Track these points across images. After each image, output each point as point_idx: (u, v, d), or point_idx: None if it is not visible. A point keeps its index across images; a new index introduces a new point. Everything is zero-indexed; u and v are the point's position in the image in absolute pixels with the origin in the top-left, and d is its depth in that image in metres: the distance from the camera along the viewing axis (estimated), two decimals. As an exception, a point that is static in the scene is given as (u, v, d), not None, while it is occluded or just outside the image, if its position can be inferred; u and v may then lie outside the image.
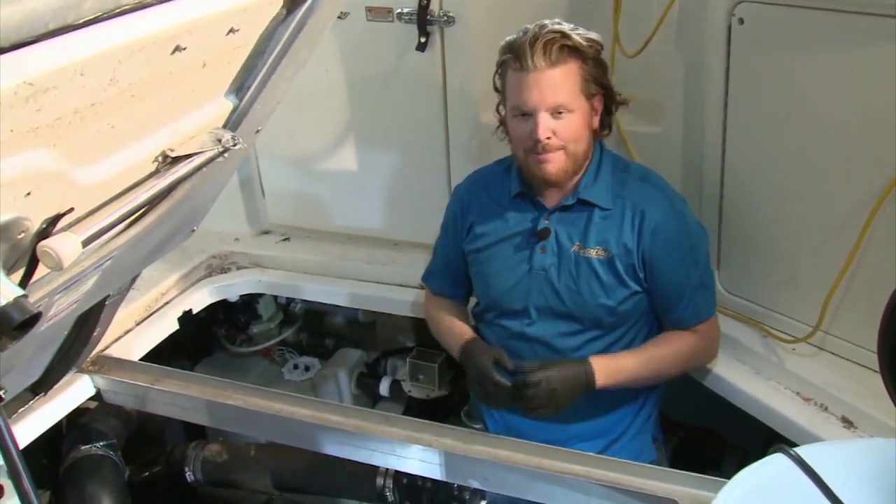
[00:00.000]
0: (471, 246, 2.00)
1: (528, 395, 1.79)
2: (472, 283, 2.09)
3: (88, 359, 2.12)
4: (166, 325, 2.46)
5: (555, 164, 1.79)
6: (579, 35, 1.75)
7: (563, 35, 1.73)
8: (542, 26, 1.74)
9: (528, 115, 1.76)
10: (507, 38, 1.80)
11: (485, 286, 1.99)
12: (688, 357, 1.91)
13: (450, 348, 2.07)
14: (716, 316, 1.95)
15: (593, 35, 1.79)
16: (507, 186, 1.95)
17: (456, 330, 2.05)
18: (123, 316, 2.28)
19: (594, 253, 1.85)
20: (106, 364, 2.16)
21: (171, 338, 2.47)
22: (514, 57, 1.75)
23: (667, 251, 1.83)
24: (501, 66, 1.82)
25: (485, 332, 2.05)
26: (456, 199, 2.07)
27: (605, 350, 1.91)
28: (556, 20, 1.77)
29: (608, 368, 1.82)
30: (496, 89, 1.87)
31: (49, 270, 1.04)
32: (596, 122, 1.84)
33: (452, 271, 2.09)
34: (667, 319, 1.91)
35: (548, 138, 1.75)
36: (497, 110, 1.93)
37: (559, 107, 1.75)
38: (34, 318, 0.96)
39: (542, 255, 1.89)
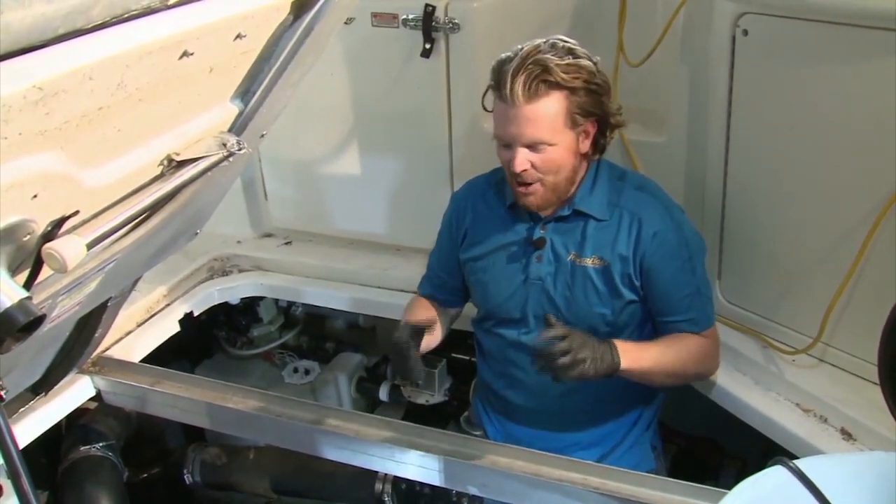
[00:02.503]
0: (467, 254, 2.00)
1: (550, 350, 1.67)
2: (463, 292, 2.08)
3: (89, 360, 2.12)
4: (167, 327, 2.46)
5: (535, 196, 1.78)
6: (564, 67, 1.68)
7: (545, 69, 1.66)
8: (533, 51, 1.68)
9: (507, 145, 1.75)
10: (499, 58, 1.74)
11: (482, 295, 1.99)
12: (699, 357, 1.88)
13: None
14: (715, 328, 1.93)
15: (584, 62, 1.71)
16: (504, 195, 1.94)
17: (408, 314, 2.00)
18: (124, 317, 2.29)
19: (590, 262, 1.84)
20: (106, 365, 2.17)
21: (172, 340, 2.47)
22: (496, 85, 1.72)
23: (664, 260, 1.82)
24: (489, 88, 1.77)
25: (483, 341, 2.05)
26: (453, 207, 2.06)
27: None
28: (552, 41, 1.71)
29: (632, 351, 1.75)
30: (485, 109, 1.83)
31: (53, 272, 1.04)
32: (586, 146, 1.79)
33: (445, 278, 2.08)
34: (664, 330, 1.90)
35: (524, 170, 1.73)
36: None
37: (537, 142, 1.72)
38: (38, 320, 0.96)
39: (539, 264, 1.88)
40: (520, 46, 1.72)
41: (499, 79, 1.71)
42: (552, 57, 1.68)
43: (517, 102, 1.68)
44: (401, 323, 1.86)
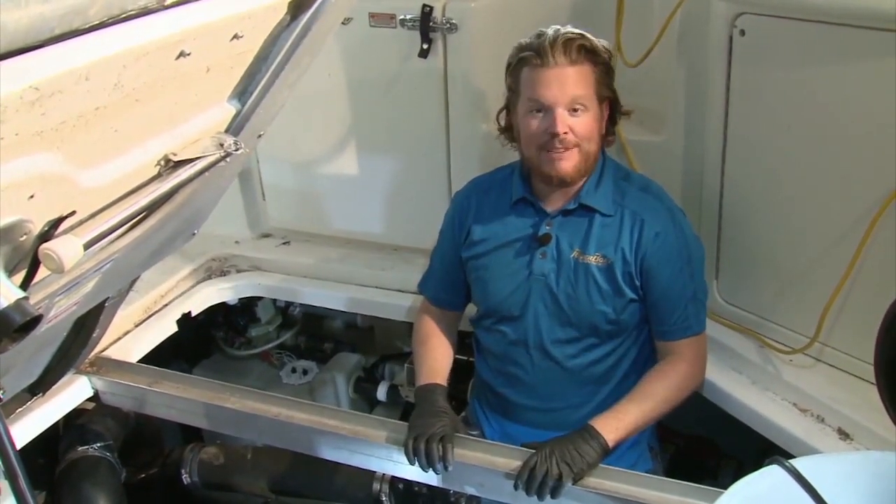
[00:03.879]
0: (469, 252, 2.00)
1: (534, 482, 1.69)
2: (465, 293, 2.08)
3: (87, 360, 2.12)
4: (165, 328, 2.46)
5: (569, 161, 1.79)
6: (595, 40, 1.80)
7: (583, 36, 1.78)
8: (560, 28, 1.78)
9: (545, 110, 1.78)
10: (522, 40, 1.82)
11: (483, 292, 1.99)
12: (680, 385, 1.89)
13: (416, 372, 2.04)
14: (705, 333, 1.94)
15: (605, 42, 1.83)
16: (509, 192, 1.95)
17: (428, 364, 2.02)
18: (122, 318, 2.28)
19: (593, 260, 1.85)
20: (104, 365, 2.17)
21: (170, 340, 2.47)
22: (535, 54, 1.77)
23: (664, 262, 1.83)
24: (517, 65, 1.82)
25: (483, 338, 2.05)
26: (454, 206, 2.07)
27: (601, 360, 1.91)
28: (569, 25, 1.80)
29: (610, 421, 1.77)
30: (509, 89, 1.87)
31: (50, 273, 1.04)
32: (603, 126, 1.85)
33: (449, 278, 2.09)
34: (657, 331, 1.91)
35: (565, 133, 1.76)
36: (497, 119, 1.93)
37: (577, 101, 1.76)
38: (35, 321, 0.96)
39: (542, 260, 1.89)
40: (542, 29, 1.80)
41: (536, 48, 1.77)
42: (581, 31, 1.79)
43: (560, 63, 1.76)
44: (427, 390, 1.93)
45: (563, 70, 1.76)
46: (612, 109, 1.87)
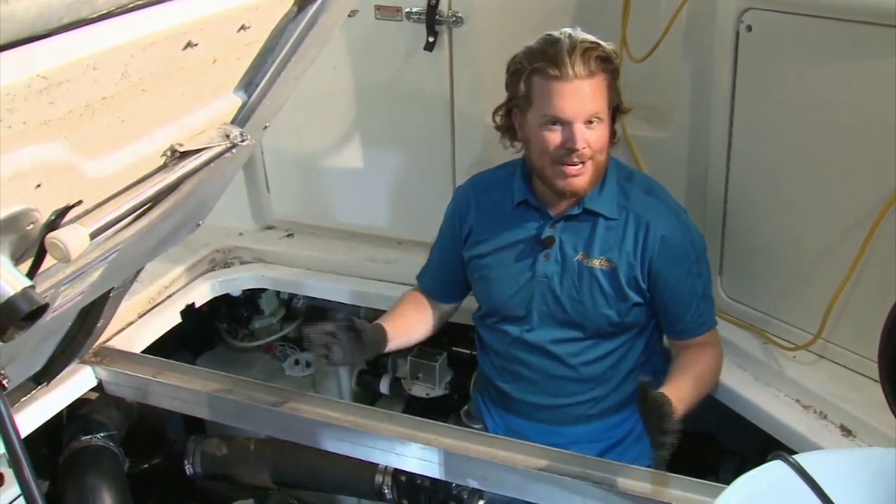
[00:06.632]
0: (471, 252, 1.99)
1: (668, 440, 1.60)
2: (462, 288, 2.08)
3: (91, 350, 2.12)
4: (169, 319, 2.46)
5: (584, 176, 1.77)
6: (608, 47, 1.75)
7: (598, 45, 1.72)
8: (573, 35, 1.72)
9: (562, 124, 1.74)
10: (533, 45, 1.75)
11: (486, 292, 1.99)
12: (716, 369, 1.91)
13: None
14: (716, 330, 1.95)
15: (612, 45, 1.79)
16: (510, 193, 1.94)
17: (392, 312, 2.06)
18: (126, 308, 2.28)
19: (598, 263, 1.85)
20: (108, 356, 2.17)
21: (174, 331, 2.47)
22: (551, 64, 1.70)
23: (672, 263, 1.83)
24: (530, 73, 1.75)
25: (485, 336, 2.05)
26: (456, 203, 2.06)
27: (605, 357, 1.92)
28: (577, 28, 1.75)
29: (674, 393, 1.69)
30: (514, 96, 1.81)
31: (56, 262, 1.05)
32: (610, 130, 1.83)
33: (446, 273, 2.08)
34: (671, 330, 1.91)
35: (583, 148, 1.73)
36: (494, 118, 1.90)
37: (594, 115, 1.73)
38: (41, 309, 0.96)
39: (546, 263, 1.88)
40: (552, 34, 1.74)
41: (553, 58, 1.71)
42: (592, 38, 1.74)
43: (579, 76, 1.71)
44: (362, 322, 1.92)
45: (582, 83, 1.71)
46: (615, 110, 1.84)
